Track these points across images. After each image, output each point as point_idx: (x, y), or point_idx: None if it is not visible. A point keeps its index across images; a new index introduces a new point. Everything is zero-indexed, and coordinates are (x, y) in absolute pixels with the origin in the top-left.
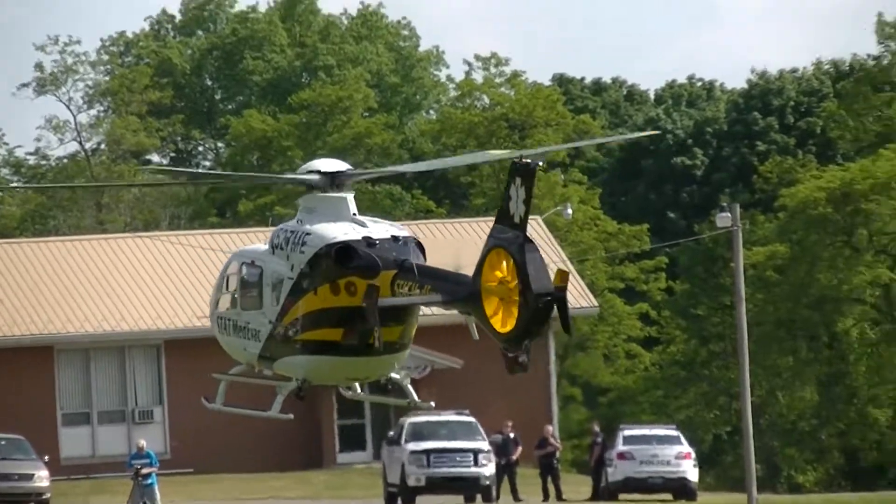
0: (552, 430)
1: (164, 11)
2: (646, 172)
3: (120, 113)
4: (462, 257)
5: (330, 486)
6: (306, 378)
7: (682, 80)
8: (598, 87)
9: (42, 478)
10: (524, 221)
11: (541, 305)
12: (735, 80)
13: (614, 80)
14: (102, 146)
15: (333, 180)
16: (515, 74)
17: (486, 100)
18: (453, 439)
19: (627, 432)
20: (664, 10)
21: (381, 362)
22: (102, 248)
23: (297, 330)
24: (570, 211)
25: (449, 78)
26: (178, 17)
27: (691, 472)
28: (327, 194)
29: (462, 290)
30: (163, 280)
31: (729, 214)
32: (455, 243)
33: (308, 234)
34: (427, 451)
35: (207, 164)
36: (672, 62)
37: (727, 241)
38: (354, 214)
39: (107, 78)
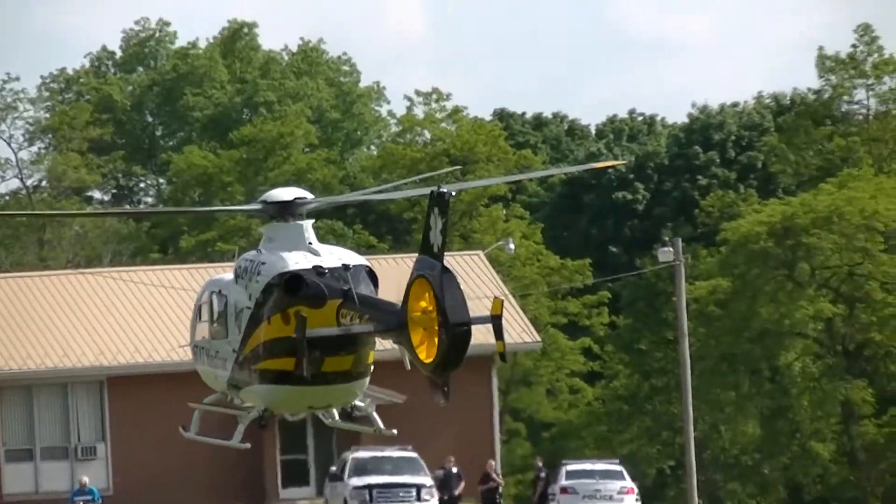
0: (495, 465)
1: (104, 48)
2: (587, 207)
3: (61, 150)
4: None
5: None
6: (267, 407)
7: (622, 114)
8: (538, 122)
9: None
10: (442, 251)
11: (457, 335)
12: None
13: (555, 115)
14: (44, 183)
15: (291, 209)
16: (457, 110)
17: (428, 135)
18: (396, 474)
19: (570, 467)
20: (605, 44)
21: (339, 391)
22: (45, 285)
23: (255, 359)
24: (512, 246)
25: (390, 113)
26: (119, 53)
27: None
28: (285, 223)
29: (392, 320)
30: (105, 316)
31: (671, 249)
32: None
33: (263, 263)
34: (370, 487)
35: (149, 200)
36: (613, 97)
37: (670, 276)
38: (310, 243)
39: (47, 115)
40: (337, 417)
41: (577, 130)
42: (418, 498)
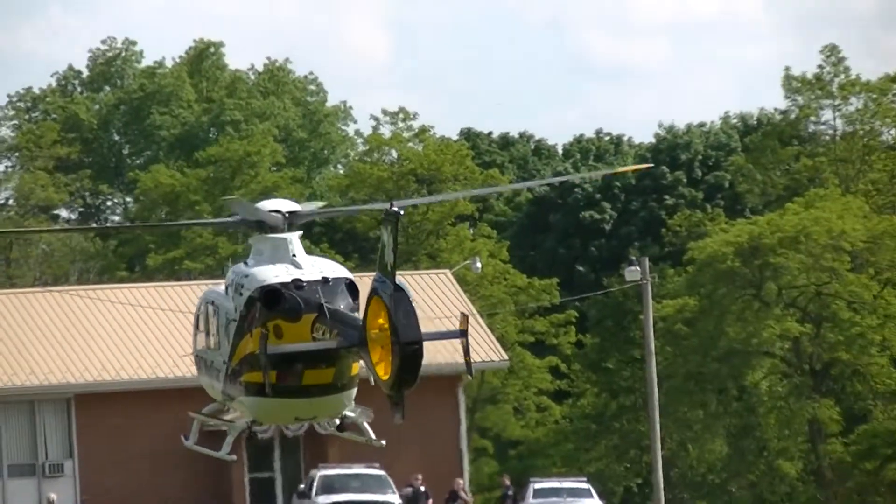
0: (462, 483)
1: (70, 67)
2: (554, 226)
3: (27, 168)
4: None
5: None
6: (255, 418)
7: (589, 134)
8: (505, 142)
9: None
10: (394, 268)
11: (407, 354)
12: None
13: (522, 135)
14: (10, 201)
15: (281, 221)
16: (423, 129)
17: (395, 154)
18: (364, 492)
19: (538, 485)
20: (572, 65)
21: (322, 403)
22: (11, 303)
23: (241, 371)
24: (479, 265)
25: (357, 133)
26: (86, 72)
27: None
28: (270, 235)
29: (355, 337)
30: (72, 334)
31: (638, 268)
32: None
33: (246, 276)
34: None
35: (116, 218)
36: (580, 117)
37: (637, 295)
38: (294, 255)
39: (13, 133)
40: (330, 427)
41: (544, 150)
42: None
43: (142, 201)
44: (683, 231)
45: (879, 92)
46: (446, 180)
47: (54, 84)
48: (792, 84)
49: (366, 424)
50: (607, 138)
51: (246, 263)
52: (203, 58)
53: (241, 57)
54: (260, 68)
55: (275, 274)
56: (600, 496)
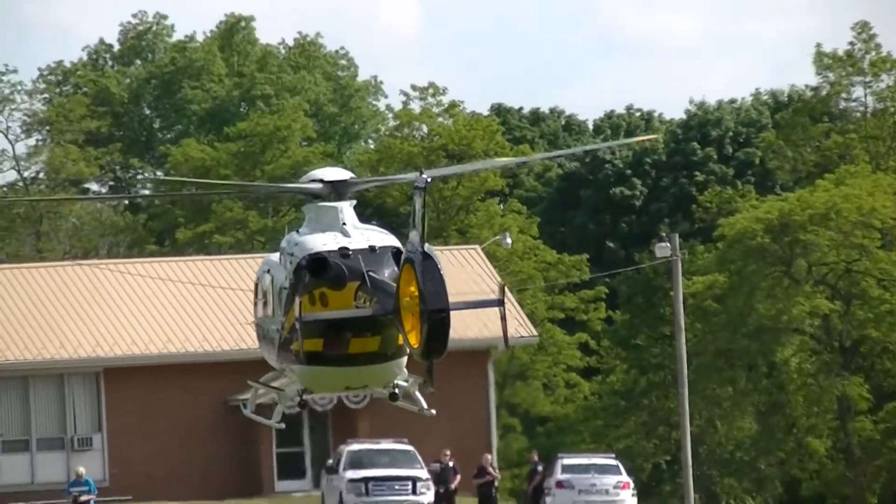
0: (491, 458)
1: (101, 41)
2: (584, 202)
3: (58, 142)
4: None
5: None
6: (305, 387)
7: (620, 110)
8: (536, 118)
9: None
10: (422, 236)
11: (433, 322)
12: (673, 110)
13: (552, 111)
14: (41, 175)
15: (334, 189)
16: (453, 104)
17: (425, 129)
18: (392, 467)
19: (566, 461)
20: (603, 41)
21: (370, 371)
22: (41, 277)
23: (292, 339)
24: (509, 240)
25: (387, 108)
26: (116, 46)
27: (630, 501)
28: (323, 203)
29: (389, 305)
30: (102, 308)
31: (668, 244)
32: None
33: (296, 244)
34: (365, 480)
35: (146, 192)
36: (610, 92)
37: (667, 271)
38: (344, 224)
39: (44, 107)
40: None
41: (575, 126)
42: (414, 491)
43: (172, 175)
44: (714, 207)
45: None
46: (476, 156)
47: (85, 58)
48: (823, 61)
49: (417, 394)
50: (638, 114)
51: (298, 231)
52: (234, 32)
53: (272, 31)
54: (290, 43)
55: (322, 242)
56: (628, 473)
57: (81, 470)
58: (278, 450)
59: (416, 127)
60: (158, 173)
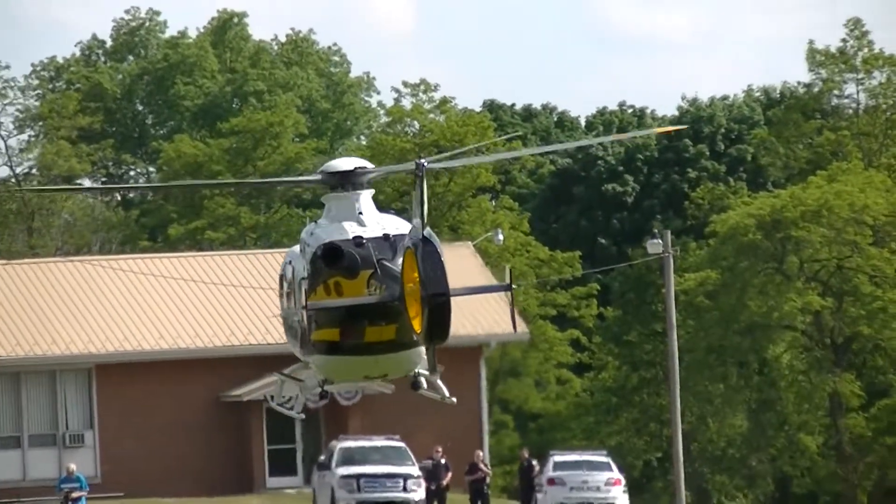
0: (483, 455)
1: (94, 37)
2: (577, 199)
3: (50, 138)
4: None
5: None
6: (325, 378)
7: (612, 106)
8: (528, 114)
9: None
10: (422, 221)
11: (433, 306)
12: (666, 107)
13: (544, 107)
14: (34, 171)
15: (350, 179)
16: (444, 101)
17: (417, 126)
18: (384, 464)
19: (558, 458)
20: (595, 37)
21: (389, 360)
22: (34, 273)
23: (311, 329)
24: (501, 237)
25: (379, 104)
26: (109, 42)
27: (621, 498)
28: (339, 193)
29: (396, 292)
30: (94, 304)
31: (660, 241)
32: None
33: (312, 234)
34: (357, 476)
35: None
36: (603, 89)
37: (659, 268)
38: (360, 213)
39: (37, 103)
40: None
41: (567, 122)
42: (405, 488)
43: (164, 171)
44: (706, 204)
45: None
46: (468, 152)
47: (78, 54)
48: (815, 57)
49: (439, 382)
50: (630, 111)
51: (316, 222)
52: (227, 28)
53: (265, 27)
54: (283, 39)
55: (337, 232)
56: (620, 469)
57: (73, 466)
58: (270, 446)
59: (408, 123)
60: (151, 169)
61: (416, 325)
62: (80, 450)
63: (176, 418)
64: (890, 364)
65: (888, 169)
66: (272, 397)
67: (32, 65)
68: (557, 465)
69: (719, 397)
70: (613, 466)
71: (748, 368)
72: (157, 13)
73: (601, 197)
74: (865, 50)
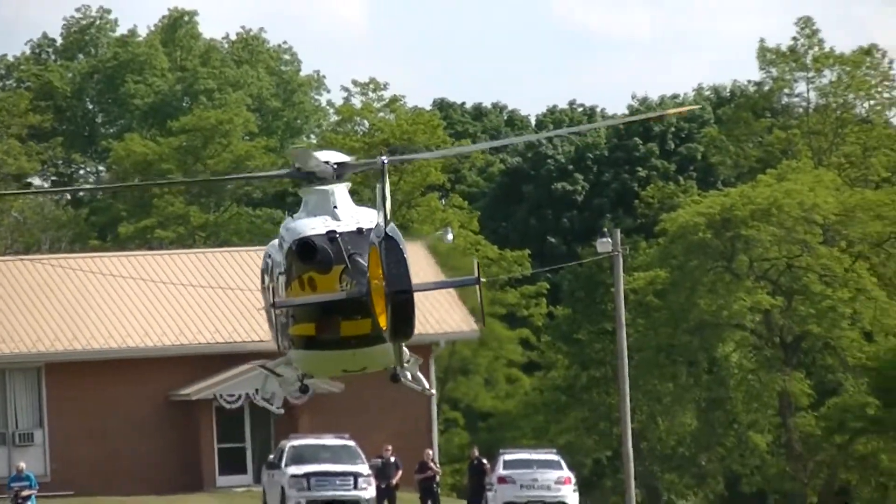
0: (432, 454)
1: (44, 35)
2: (526, 198)
3: (0, 136)
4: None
5: None
6: (304, 371)
7: (563, 105)
8: (478, 112)
9: None
10: (386, 218)
11: (395, 303)
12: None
13: (495, 105)
14: None
15: (330, 172)
16: (394, 99)
17: (367, 124)
18: (333, 463)
19: (508, 457)
20: (546, 35)
21: (367, 354)
22: None
23: (288, 324)
24: (450, 235)
25: (329, 103)
26: (59, 40)
27: (571, 496)
28: (315, 187)
29: (364, 288)
30: (43, 303)
31: (610, 240)
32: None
33: (288, 229)
34: (307, 475)
35: (89, 186)
36: (553, 88)
37: (609, 267)
38: (335, 207)
39: None
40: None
41: (517, 121)
42: (356, 486)
43: (114, 170)
44: (656, 203)
45: (853, 65)
46: (418, 150)
47: (28, 52)
48: (766, 56)
49: (419, 374)
50: (580, 109)
51: (293, 216)
52: (177, 27)
53: (216, 26)
54: (234, 37)
55: (311, 226)
56: (570, 468)
57: (22, 465)
58: (220, 445)
59: (358, 122)
60: (101, 168)
61: (382, 321)
62: (30, 448)
63: (125, 417)
64: (839, 363)
65: (838, 168)
66: (256, 391)
67: None
68: (507, 464)
69: (669, 396)
70: (563, 465)
71: (698, 367)
72: (108, 12)
73: (551, 196)
74: (816, 49)
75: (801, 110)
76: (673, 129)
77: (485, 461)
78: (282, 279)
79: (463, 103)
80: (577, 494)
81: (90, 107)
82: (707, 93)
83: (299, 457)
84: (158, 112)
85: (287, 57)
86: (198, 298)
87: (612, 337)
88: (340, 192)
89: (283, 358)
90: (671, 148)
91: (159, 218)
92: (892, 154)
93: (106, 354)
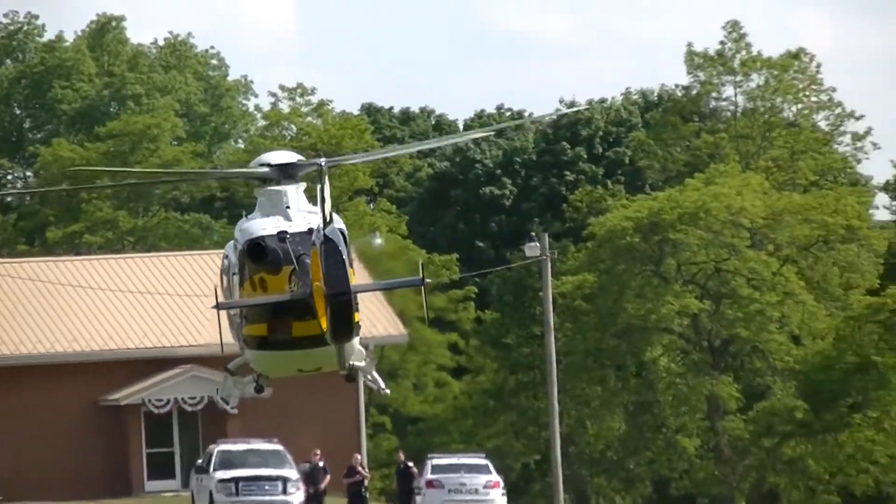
0: (361, 458)
1: None
2: (454, 202)
3: None
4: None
5: None
6: (259, 371)
7: (490, 109)
8: (406, 117)
9: None
10: (325, 219)
11: (334, 305)
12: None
13: (422, 110)
14: None
15: (284, 172)
16: (322, 104)
17: (295, 129)
18: (262, 467)
19: (436, 461)
20: (473, 41)
21: (320, 354)
22: None
23: (242, 324)
24: (379, 240)
25: (257, 108)
26: None
27: (500, 500)
28: (268, 188)
29: (307, 290)
30: None
31: (538, 244)
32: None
33: (241, 230)
34: (235, 479)
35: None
36: (481, 92)
37: (538, 271)
38: (288, 207)
39: None
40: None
41: (445, 125)
42: (284, 491)
43: (41, 175)
44: (584, 207)
45: (780, 69)
46: (346, 154)
47: None
48: (694, 60)
49: (375, 373)
50: (508, 114)
51: (247, 217)
52: (105, 32)
53: (143, 31)
54: (162, 42)
55: (263, 227)
56: (498, 472)
57: None
58: (148, 450)
59: (286, 127)
60: (29, 173)
61: (323, 322)
62: None
63: (53, 423)
64: (767, 367)
65: (766, 171)
66: (217, 390)
67: None
68: (436, 468)
69: (597, 400)
70: (492, 469)
71: (626, 371)
72: (36, 17)
73: (479, 200)
74: (743, 52)
75: (728, 114)
76: (601, 133)
77: (411, 465)
78: (235, 279)
79: (391, 108)
80: (505, 499)
81: (17, 112)
82: (635, 97)
83: (227, 461)
84: (86, 117)
85: (215, 62)
86: (126, 304)
87: (540, 341)
88: (293, 192)
89: (240, 359)
90: (599, 152)
91: (88, 223)
92: (819, 158)
93: (33, 360)
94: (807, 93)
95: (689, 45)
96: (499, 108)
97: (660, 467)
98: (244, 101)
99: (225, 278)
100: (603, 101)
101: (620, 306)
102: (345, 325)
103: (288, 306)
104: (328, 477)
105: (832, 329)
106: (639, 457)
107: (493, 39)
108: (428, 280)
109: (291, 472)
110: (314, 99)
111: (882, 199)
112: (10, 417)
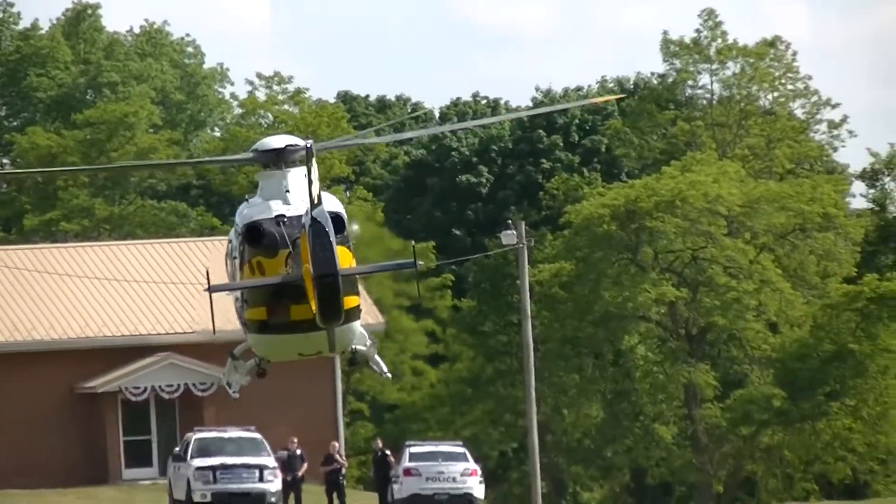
0: (338, 446)
1: None
2: (431, 190)
3: None
4: None
5: (115, 502)
6: (260, 355)
7: (466, 97)
8: (382, 105)
9: None
10: (312, 201)
11: (321, 286)
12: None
13: (398, 98)
14: None
15: (283, 156)
16: (298, 92)
17: (271, 117)
18: (239, 455)
19: (414, 449)
20: (449, 29)
21: (321, 338)
22: None
23: (243, 308)
24: (355, 227)
25: (233, 96)
26: None
27: (477, 488)
28: (268, 171)
29: (298, 273)
30: None
31: (514, 232)
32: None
33: (240, 214)
34: (213, 467)
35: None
36: (456, 80)
37: (515, 259)
38: (287, 191)
39: None
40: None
41: (421, 113)
42: (261, 479)
43: (18, 164)
44: (560, 195)
45: (756, 57)
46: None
47: None
48: (669, 48)
49: (377, 357)
50: (484, 102)
51: (248, 201)
52: (80, 20)
53: (119, 19)
54: (137, 30)
55: (261, 211)
56: (476, 460)
57: None
58: (125, 438)
59: (262, 115)
60: (5, 161)
61: (313, 304)
62: None
63: (30, 410)
64: (744, 355)
65: (742, 159)
66: (223, 375)
67: None
68: (413, 456)
69: (574, 388)
70: (469, 457)
71: (603, 359)
72: (11, 5)
73: (455, 188)
74: (719, 40)
75: (704, 102)
76: (577, 121)
77: (388, 453)
78: (237, 263)
79: (367, 96)
80: (482, 486)
81: None
82: (611, 85)
83: (205, 449)
84: (62, 105)
85: (191, 50)
86: (102, 291)
87: (517, 329)
88: (294, 176)
89: (244, 343)
90: (575, 140)
91: (64, 210)
92: (795, 146)
93: (10, 347)
94: (783, 81)
95: (665, 33)
96: (474, 95)
97: (637, 455)
98: (220, 90)
99: (229, 263)
100: (579, 88)
101: (597, 294)
102: (332, 306)
103: (284, 289)
104: (305, 465)
105: (809, 317)
106: (616, 445)
107: (468, 27)
108: (420, 262)
109: (269, 460)
110: (290, 87)
111: (858, 187)
112: None
